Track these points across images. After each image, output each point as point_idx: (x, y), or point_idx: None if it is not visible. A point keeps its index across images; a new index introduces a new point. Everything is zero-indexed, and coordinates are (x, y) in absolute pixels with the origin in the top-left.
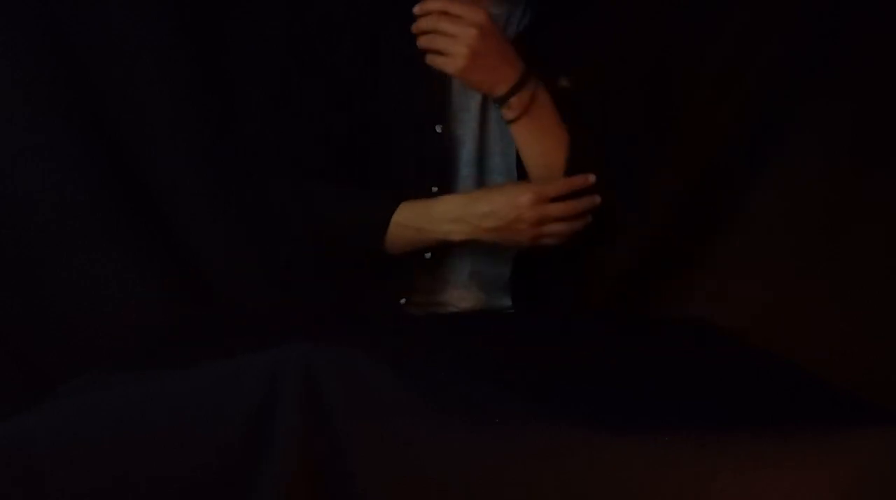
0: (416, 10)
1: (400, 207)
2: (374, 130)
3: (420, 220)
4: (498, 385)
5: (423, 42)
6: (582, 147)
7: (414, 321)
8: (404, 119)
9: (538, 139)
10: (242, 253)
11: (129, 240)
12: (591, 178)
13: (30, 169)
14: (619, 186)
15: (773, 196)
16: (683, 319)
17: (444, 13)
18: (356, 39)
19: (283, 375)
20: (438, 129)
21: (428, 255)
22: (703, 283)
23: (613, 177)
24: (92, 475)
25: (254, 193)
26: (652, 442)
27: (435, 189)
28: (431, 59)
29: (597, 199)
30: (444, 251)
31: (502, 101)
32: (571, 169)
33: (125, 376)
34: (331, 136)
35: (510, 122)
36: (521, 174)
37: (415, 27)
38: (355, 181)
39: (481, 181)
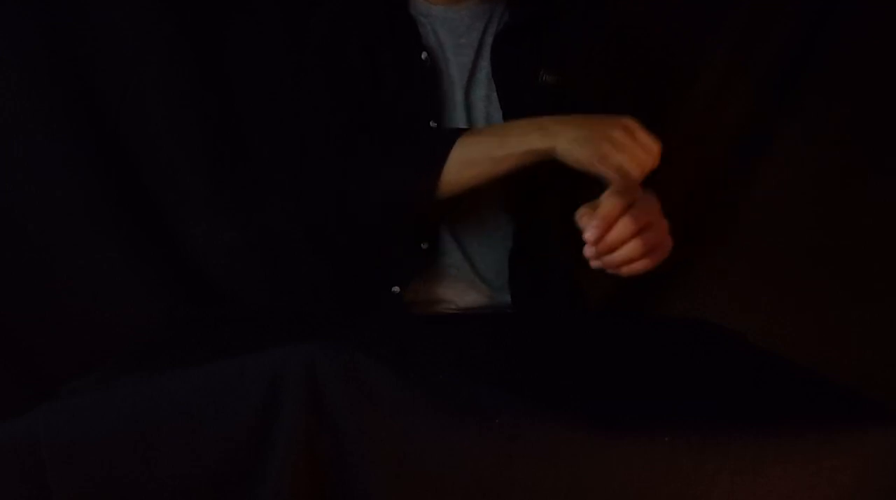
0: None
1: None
2: (372, 128)
3: (502, 129)
4: (498, 385)
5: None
6: None
7: (415, 321)
8: (400, 116)
9: None
10: (242, 253)
11: (129, 240)
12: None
13: (30, 170)
14: None
15: (772, 196)
16: (683, 319)
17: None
18: (356, 40)
19: (285, 375)
20: (433, 124)
21: (425, 245)
22: (704, 283)
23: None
24: (96, 473)
25: (255, 194)
26: (652, 442)
27: None
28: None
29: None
30: (441, 243)
31: None
32: None
33: (127, 376)
34: (331, 133)
35: None
36: None
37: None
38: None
39: None
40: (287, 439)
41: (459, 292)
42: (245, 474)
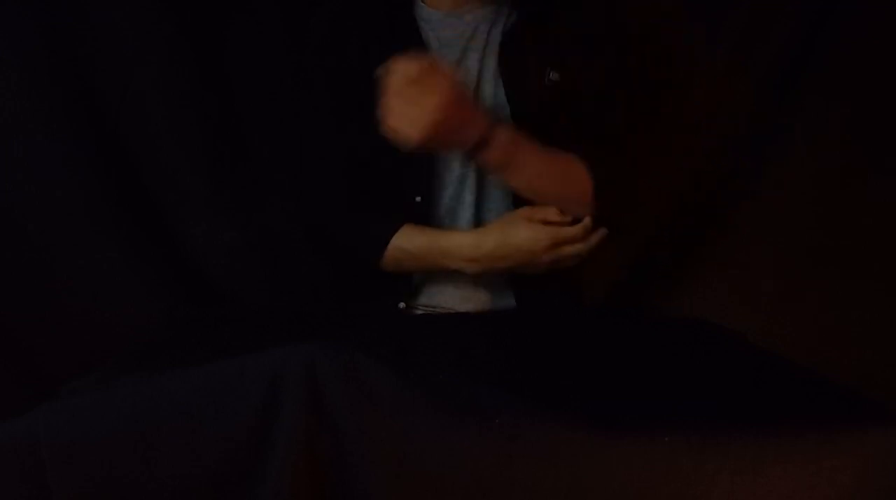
0: (385, 72)
1: (406, 234)
2: (364, 139)
3: (431, 254)
4: (498, 385)
5: (386, 104)
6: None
7: (414, 321)
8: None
9: (531, 181)
10: (242, 253)
11: (129, 240)
12: (603, 232)
13: (30, 170)
14: (615, 183)
15: (772, 196)
16: (683, 319)
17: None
18: (356, 40)
19: (285, 375)
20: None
21: None
22: (705, 282)
23: (611, 176)
24: (96, 473)
25: (255, 194)
26: (652, 442)
27: (418, 198)
28: (391, 122)
29: (604, 232)
30: None
31: (470, 157)
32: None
33: (127, 376)
34: (330, 145)
35: (491, 173)
36: None
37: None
38: (346, 188)
39: (478, 176)
40: (287, 439)
41: (460, 300)
42: (245, 474)
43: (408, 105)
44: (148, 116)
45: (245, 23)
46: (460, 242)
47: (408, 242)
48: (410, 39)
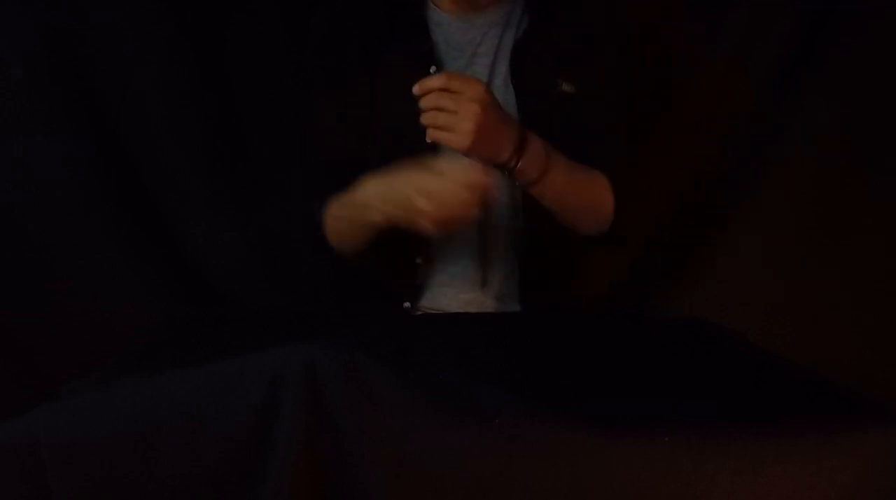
0: (416, 89)
1: (335, 202)
2: (371, 143)
3: (347, 209)
4: (498, 385)
5: (426, 120)
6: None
7: (414, 321)
8: (399, 131)
9: (562, 192)
10: (242, 253)
11: (129, 240)
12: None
13: (30, 170)
14: (621, 187)
15: (772, 196)
16: (683, 319)
17: (444, 89)
18: (356, 40)
19: (285, 375)
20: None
21: (419, 260)
22: (704, 283)
23: (616, 178)
24: (96, 473)
25: (255, 194)
26: (652, 442)
27: None
28: (435, 136)
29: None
30: (441, 257)
31: (509, 168)
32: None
33: (127, 376)
34: (330, 146)
35: (528, 187)
36: None
37: (421, 104)
38: (346, 188)
39: None
40: (287, 439)
41: (463, 304)
42: (245, 474)
43: (446, 114)
44: (148, 116)
45: (245, 23)
46: (365, 188)
47: (337, 207)
48: (417, 41)
